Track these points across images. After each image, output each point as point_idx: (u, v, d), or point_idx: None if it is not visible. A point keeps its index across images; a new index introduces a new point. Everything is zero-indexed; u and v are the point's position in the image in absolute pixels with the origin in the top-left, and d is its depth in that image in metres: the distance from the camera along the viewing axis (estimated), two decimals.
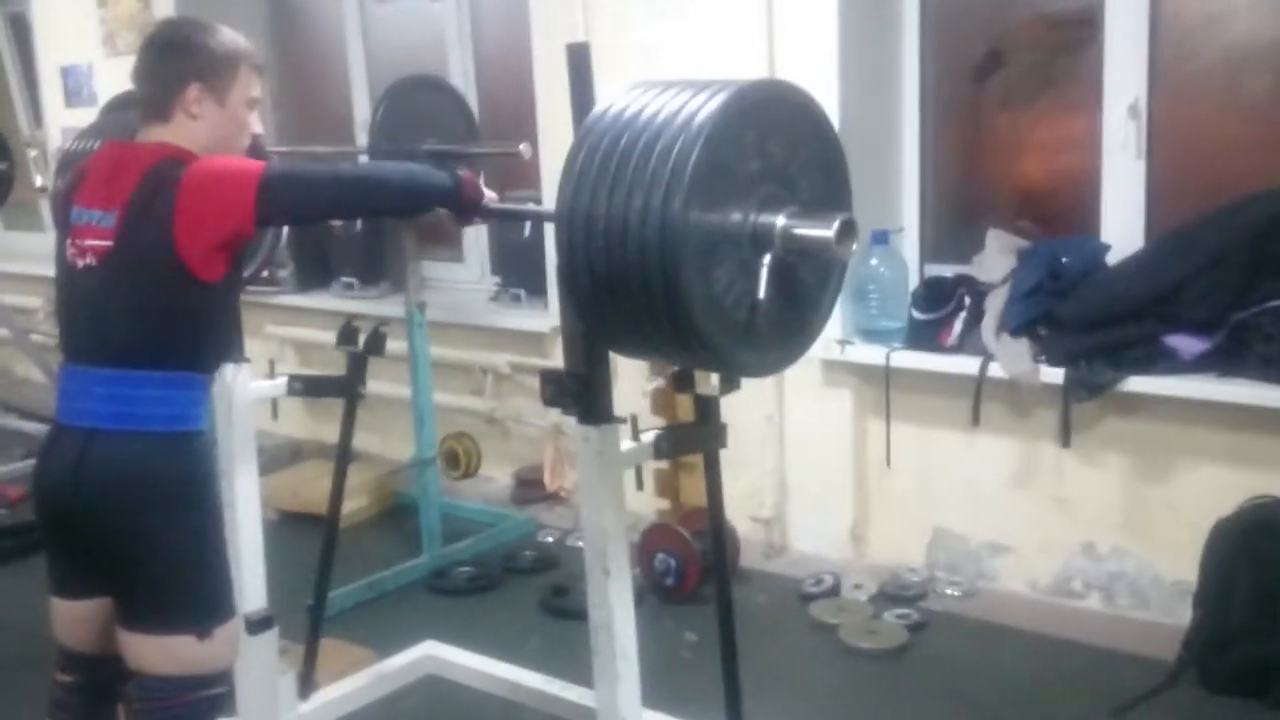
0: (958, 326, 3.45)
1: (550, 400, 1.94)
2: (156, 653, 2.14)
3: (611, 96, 1.74)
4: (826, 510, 3.79)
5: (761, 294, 1.68)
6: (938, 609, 3.46)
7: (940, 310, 3.49)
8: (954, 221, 3.79)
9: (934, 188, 3.77)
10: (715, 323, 1.66)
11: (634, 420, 2.04)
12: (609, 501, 1.96)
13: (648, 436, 2.06)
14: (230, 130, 2.23)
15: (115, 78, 4.95)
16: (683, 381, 2.15)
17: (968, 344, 3.42)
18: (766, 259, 1.69)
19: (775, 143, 1.70)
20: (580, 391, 1.90)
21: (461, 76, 4.67)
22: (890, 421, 3.59)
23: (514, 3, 4.35)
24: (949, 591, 3.53)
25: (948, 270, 3.64)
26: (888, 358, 3.52)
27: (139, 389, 2.12)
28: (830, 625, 3.38)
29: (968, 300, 3.46)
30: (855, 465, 3.73)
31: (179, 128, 2.18)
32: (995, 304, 3.38)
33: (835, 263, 1.80)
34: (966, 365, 3.38)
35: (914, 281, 3.69)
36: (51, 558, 2.26)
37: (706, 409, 2.15)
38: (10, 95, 6.61)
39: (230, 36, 2.24)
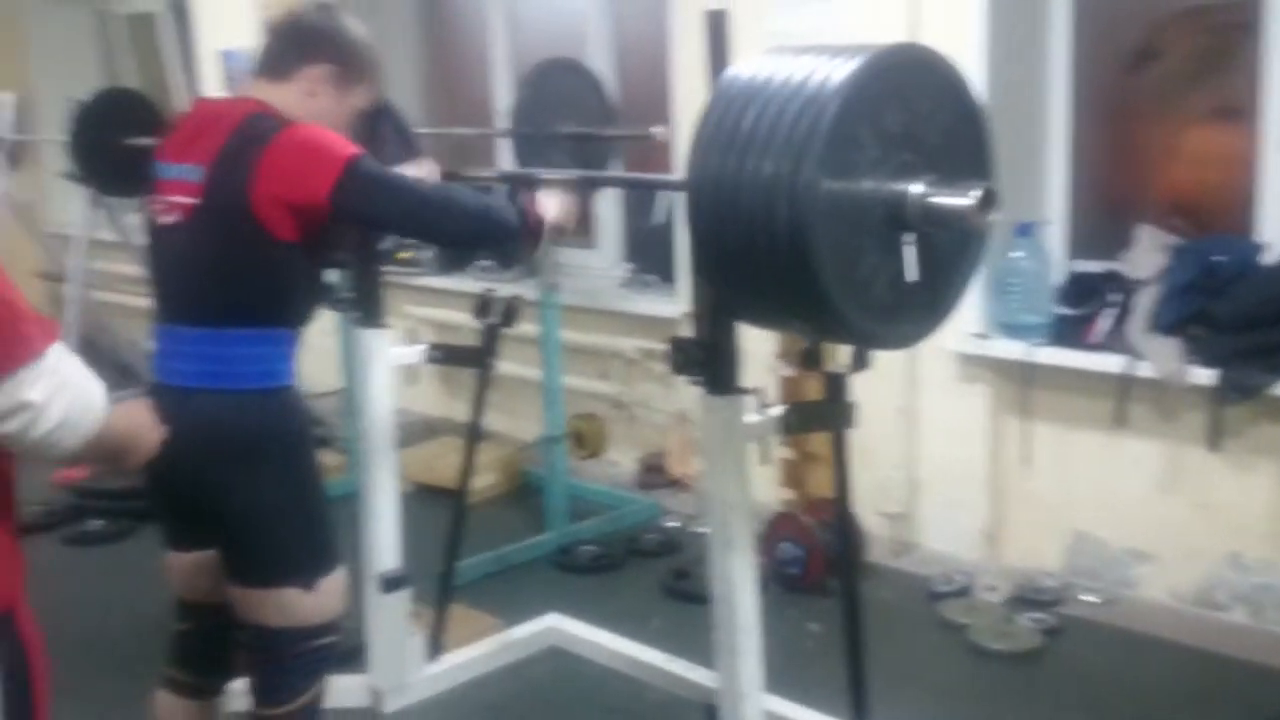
0: (1104, 323, 3.34)
1: (678, 368, 1.93)
2: (264, 606, 2.17)
3: (745, 61, 1.72)
4: (959, 508, 3.70)
5: (910, 276, 1.64)
6: (1074, 615, 3.34)
7: (1086, 306, 3.39)
8: (1101, 217, 3.65)
9: (1081, 181, 3.64)
10: (843, 290, 1.62)
11: (761, 393, 2.02)
12: (733, 473, 1.94)
13: (774, 411, 2.04)
14: (332, 123, 2.23)
15: None
16: (811, 359, 2.12)
17: (1114, 342, 3.31)
18: (911, 237, 1.65)
19: (913, 109, 1.66)
20: (707, 359, 1.89)
21: (601, 61, 4.70)
22: (1029, 419, 3.49)
23: None
24: (1087, 598, 3.41)
25: (1094, 266, 3.53)
26: (1029, 353, 3.42)
27: (226, 347, 2.13)
28: (960, 625, 3.29)
29: (1115, 297, 3.34)
30: (991, 463, 3.63)
31: (289, 94, 2.19)
32: (1145, 302, 3.26)
33: (974, 234, 1.75)
34: (1112, 363, 3.26)
35: (1058, 277, 3.58)
36: (160, 513, 2.32)
37: (835, 386, 2.12)
38: (171, 79, 6.85)
39: (377, 53, 2.30)
